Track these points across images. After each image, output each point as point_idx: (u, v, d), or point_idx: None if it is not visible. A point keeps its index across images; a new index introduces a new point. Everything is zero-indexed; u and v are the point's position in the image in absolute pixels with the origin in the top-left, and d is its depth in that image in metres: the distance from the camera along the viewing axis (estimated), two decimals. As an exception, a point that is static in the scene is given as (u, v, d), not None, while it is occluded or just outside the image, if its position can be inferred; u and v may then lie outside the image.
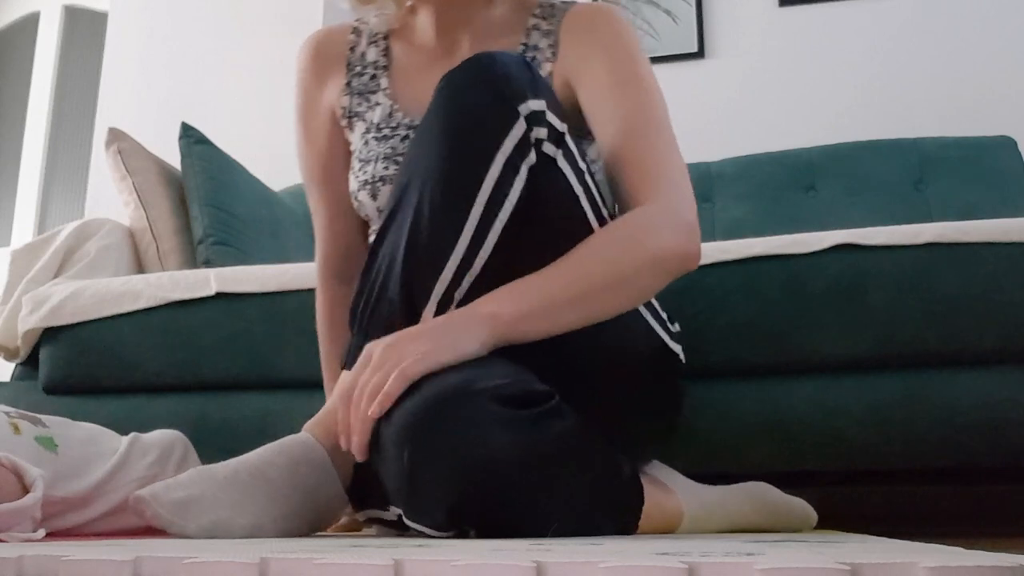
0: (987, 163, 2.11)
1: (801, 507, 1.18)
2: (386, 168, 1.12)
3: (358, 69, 1.21)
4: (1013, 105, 2.34)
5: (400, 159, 1.10)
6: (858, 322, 1.28)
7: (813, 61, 2.53)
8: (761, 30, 2.58)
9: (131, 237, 1.96)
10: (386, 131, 1.15)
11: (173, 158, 2.05)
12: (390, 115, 1.16)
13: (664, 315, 1.09)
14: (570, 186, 0.97)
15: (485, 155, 0.90)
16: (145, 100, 2.92)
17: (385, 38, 1.22)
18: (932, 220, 1.96)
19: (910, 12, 2.49)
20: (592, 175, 1.02)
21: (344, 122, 1.20)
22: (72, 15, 3.71)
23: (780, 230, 1.62)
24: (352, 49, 1.23)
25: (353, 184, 1.16)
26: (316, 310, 1.24)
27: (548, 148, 0.94)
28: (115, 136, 2.02)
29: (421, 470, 0.81)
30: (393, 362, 0.84)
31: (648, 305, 1.06)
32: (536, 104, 0.93)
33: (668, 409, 1.11)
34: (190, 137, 2.03)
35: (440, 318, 0.90)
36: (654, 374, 1.07)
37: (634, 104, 1.06)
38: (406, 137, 1.13)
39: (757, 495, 1.17)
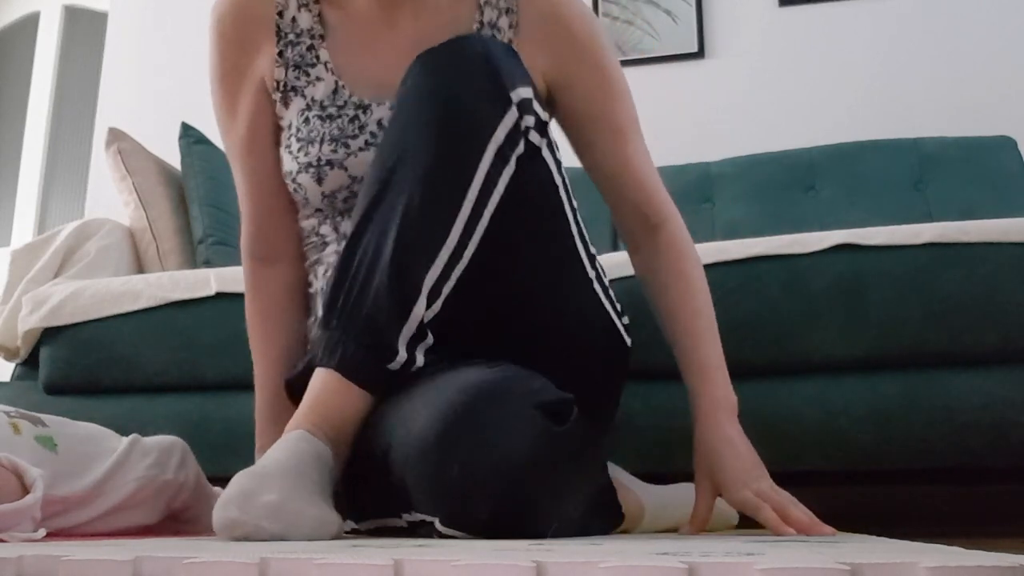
0: (987, 163, 2.11)
1: (727, 507, 1.19)
2: (334, 151, 1.04)
3: (291, 37, 1.10)
4: (1013, 105, 2.34)
5: (349, 141, 1.04)
6: (858, 322, 1.28)
7: (813, 61, 2.53)
8: (761, 30, 2.58)
9: (131, 237, 1.96)
10: (331, 110, 1.06)
11: (173, 158, 2.06)
12: (335, 92, 1.07)
13: (619, 306, 1.09)
14: (552, 177, 0.97)
15: (478, 144, 0.88)
16: (145, 100, 2.92)
17: (316, 1, 1.12)
18: (932, 220, 1.96)
19: (910, 12, 2.49)
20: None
21: (277, 95, 1.10)
22: (72, 15, 3.71)
23: (780, 230, 1.62)
24: (280, 14, 1.11)
25: (291, 165, 1.07)
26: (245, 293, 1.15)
27: (534, 137, 0.93)
28: (115, 136, 2.02)
29: (469, 478, 0.77)
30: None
31: (607, 294, 1.06)
32: (524, 92, 0.91)
33: (616, 395, 1.12)
34: (190, 137, 2.03)
35: (732, 435, 1.00)
36: (610, 361, 1.07)
37: (630, 119, 1.11)
38: (355, 118, 1.05)
39: (692, 495, 1.19)
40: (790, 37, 2.56)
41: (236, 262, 1.83)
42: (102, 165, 2.68)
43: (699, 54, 2.60)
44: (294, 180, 1.07)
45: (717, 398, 1.02)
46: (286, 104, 1.10)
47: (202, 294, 1.55)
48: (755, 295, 1.31)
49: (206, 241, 1.91)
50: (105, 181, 2.47)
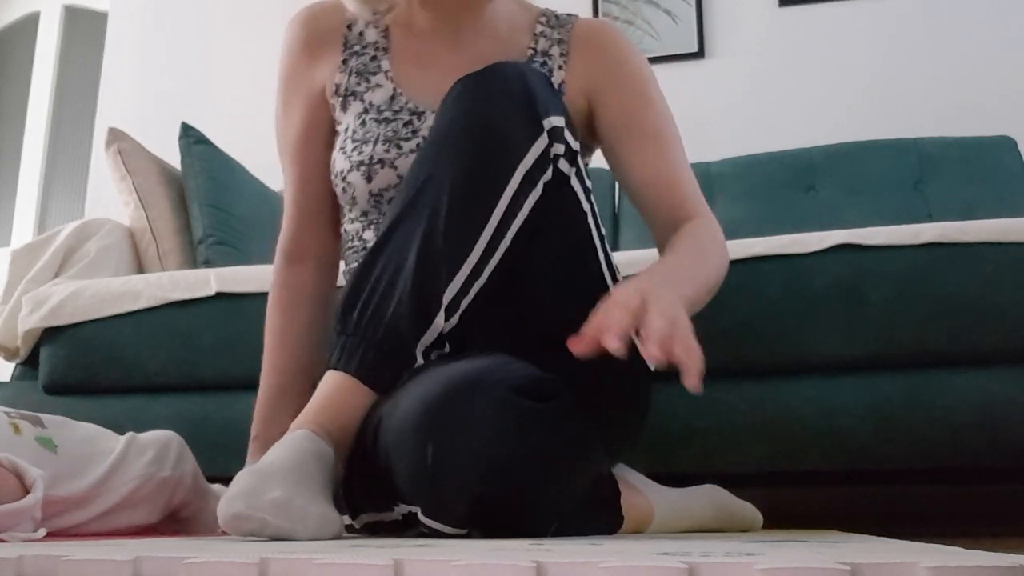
0: (987, 163, 2.10)
1: (751, 510, 1.22)
2: (386, 150, 1.08)
3: (356, 48, 1.17)
4: (1013, 105, 2.34)
5: (401, 143, 1.08)
6: (858, 322, 1.28)
7: (813, 61, 2.53)
8: (761, 30, 2.58)
9: (131, 237, 1.96)
10: (387, 114, 1.12)
11: (173, 158, 2.05)
12: (392, 98, 1.13)
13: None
14: (580, 205, 1.00)
15: (507, 166, 0.91)
16: (145, 100, 2.92)
17: (384, 19, 1.19)
18: (932, 220, 1.96)
19: (910, 12, 2.49)
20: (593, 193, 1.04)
21: (336, 100, 1.16)
22: (72, 15, 3.71)
23: (780, 230, 1.61)
24: (349, 27, 1.19)
25: (343, 164, 1.11)
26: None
27: (563, 165, 0.96)
28: (115, 136, 2.02)
29: (445, 461, 0.79)
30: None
31: None
32: (557, 120, 0.94)
33: (639, 417, 1.13)
34: (190, 137, 2.03)
35: (654, 276, 0.88)
36: (631, 383, 1.08)
37: (664, 127, 1.14)
38: (409, 122, 1.10)
39: (715, 497, 1.20)
40: (790, 37, 2.56)
41: (236, 262, 1.83)
42: (102, 165, 2.68)
43: (699, 54, 2.59)
44: (344, 179, 1.11)
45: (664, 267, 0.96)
46: (344, 108, 1.15)
47: (202, 294, 1.54)
48: (755, 295, 1.31)
49: (206, 241, 1.91)
50: (105, 181, 2.47)
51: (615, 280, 1.06)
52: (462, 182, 0.90)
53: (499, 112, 0.91)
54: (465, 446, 0.79)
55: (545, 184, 0.94)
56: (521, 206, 0.92)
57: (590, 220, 1.01)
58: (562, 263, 0.99)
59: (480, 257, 0.91)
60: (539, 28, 1.18)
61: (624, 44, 1.17)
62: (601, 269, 1.03)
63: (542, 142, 0.92)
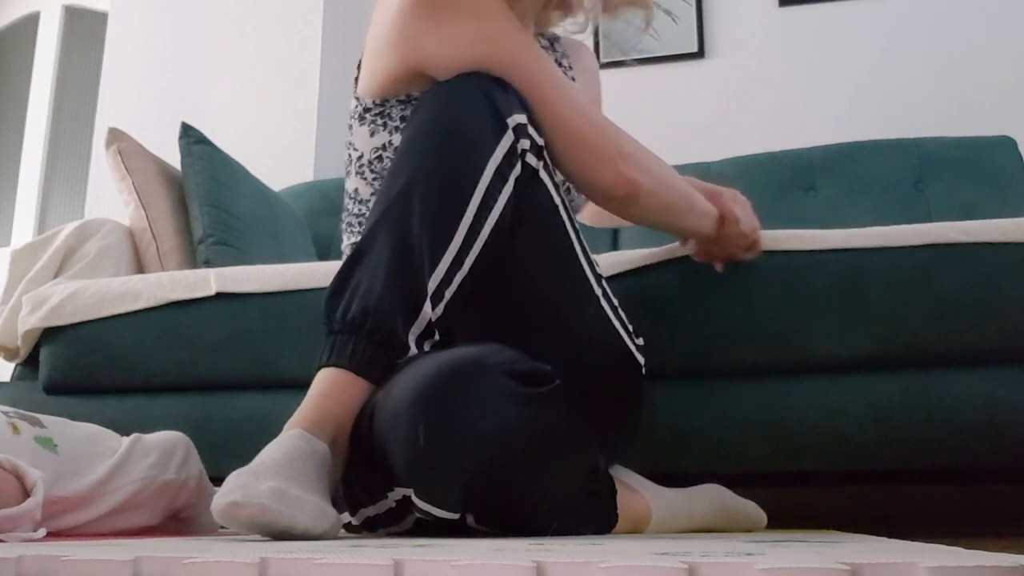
0: (987, 163, 2.10)
1: (754, 509, 1.23)
2: None
3: None
4: (1013, 105, 2.34)
5: None
6: (858, 322, 1.28)
7: (813, 61, 2.53)
8: (761, 30, 2.58)
9: (131, 237, 1.96)
10: None
11: (173, 158, 2.05)
12: None
13: (630, 327, 1.14)
14: (551, 196, 1.03)
15: (477, 163, 0.95)
16: (145, 100, 2.92)
17: None
18: (932, 220, 1.96)
19: (910, 12, 2.49)
20: (563, 188, 1.08)
21: None
22: (72, 15, 3.71)
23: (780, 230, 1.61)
24: None
25: None
26: None
27: (531, 159, 1.00)
28: (115, 136, 2.02)
29: (437, 443, 0.81)
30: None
31: (617, 315, 1.11)
32: (520, 118, 0.99)
33: (631, 415, 1.15)
34: (190, 137, 2.03)
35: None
36: (620, 379, 1.11)
37: None
38: None
39: (716, 497, 1.20)
40: (790, 37, 2.56)
41: (236, 262, 1.83)
42: (102, 165, 2.68)
43: (699, 54, 2.60)
44: None
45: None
46: None
47: (202, 294, 1.54)
48: (755, 295, 1.31)
49: (206, 241, 1.91)
50: (105, 181, 2.47)
51: (596, 275, 1.08)
52: (435, 184, 0.94)
53: (464, 116, 0.96)
54: (458, 426, 0.81)
55: (516, 178, 0.98)
56: (496, 199, 0.96)
57: (563, 212, 1.05)
58: (542, 253, 1.03)
59: (460, 248, 0.93)
60: (541, 42, 1.33)
61: (595, 59, 1.48)
62: (579, 261, 1.06)
63: (508, 138, 0.97)
